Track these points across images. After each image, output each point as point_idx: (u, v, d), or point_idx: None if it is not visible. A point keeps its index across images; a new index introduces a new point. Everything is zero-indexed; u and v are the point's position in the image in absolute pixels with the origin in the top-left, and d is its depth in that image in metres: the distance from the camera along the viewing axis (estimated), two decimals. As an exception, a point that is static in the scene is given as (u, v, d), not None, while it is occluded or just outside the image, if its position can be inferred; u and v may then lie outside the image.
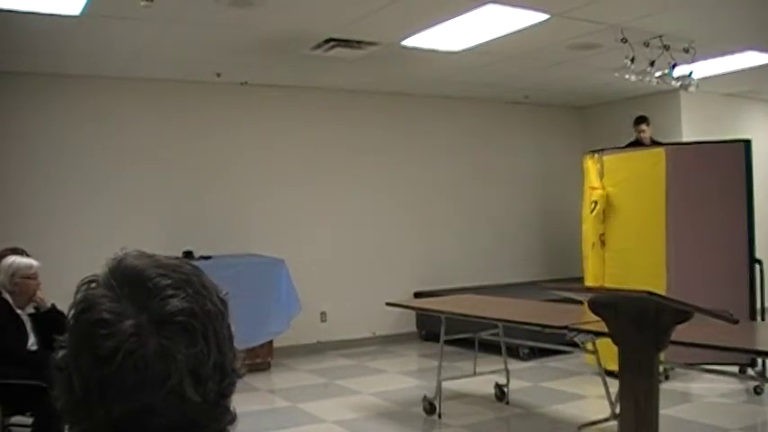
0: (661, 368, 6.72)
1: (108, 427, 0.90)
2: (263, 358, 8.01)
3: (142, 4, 5.39)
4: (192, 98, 8.61)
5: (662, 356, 6.12)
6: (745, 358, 6.04)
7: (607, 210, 7.03)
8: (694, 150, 7.15)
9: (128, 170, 8.22)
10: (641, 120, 8.42)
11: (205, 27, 6.46)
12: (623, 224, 6.95)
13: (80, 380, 0.91)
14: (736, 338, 4.30)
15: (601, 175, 7.11)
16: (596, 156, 7.22)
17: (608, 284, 6.56)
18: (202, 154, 8.65)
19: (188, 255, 7.84)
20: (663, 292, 6.03)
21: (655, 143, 8.07)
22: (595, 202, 7.02)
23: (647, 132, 8.32)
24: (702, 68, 7.87)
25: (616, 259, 6.95)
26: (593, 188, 7.12)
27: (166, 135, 8.47)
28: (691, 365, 6.26)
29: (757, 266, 6.68)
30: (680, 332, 3.67)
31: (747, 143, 6.87)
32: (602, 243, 7.04)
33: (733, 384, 6.73)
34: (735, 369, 6.36)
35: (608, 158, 7.15)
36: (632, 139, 8.36)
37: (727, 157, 6.84)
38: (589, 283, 6.99)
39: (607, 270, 6.96)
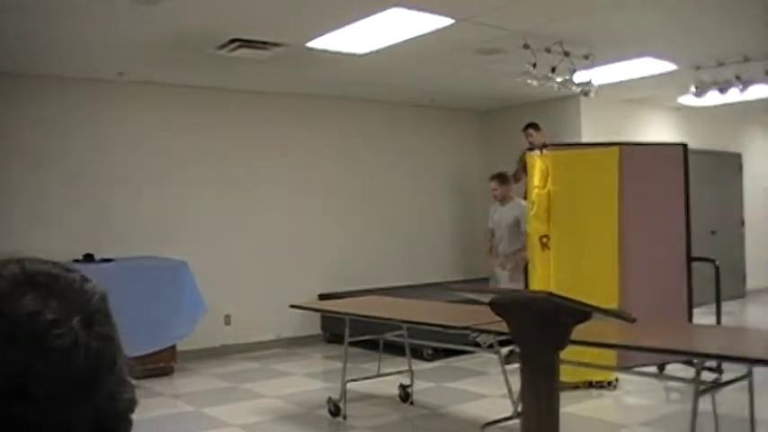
0: (614, 376, 6.79)
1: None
2: (165, 362, 7.83)
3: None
4: (93, 98, 8.38)
5: (614, 362, 6.17)
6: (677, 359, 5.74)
7: (552, 210, 6.62)
8: (644, 151, 7.02)
9: (27, 174, 7.94)
10: (527, 126, 8.99)
11: (108, 24, 6.30)
12: (570, 226, 6.59)
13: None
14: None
15: (546, 174, 6.68)
16: (542, 153, 6.83)
17: (555, 290, 6.12)
18: (105, 153, 8.42)
19: (89, 258, 7.62)
20: (616, 299, 6.17)
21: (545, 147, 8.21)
22: (533, 202, 6.76)
23: (534, 137, 8.79)
24: (602, 75, 8.12)
25: (564, 262, 6.55)
26: (534, 187, 6.79)
27: (72, 137, 8.22)
28: (628, 368, 6.01)
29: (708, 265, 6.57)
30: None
31: (685, 147, 6.83)
32: (545, 245, 6.65)
33: (653, 384, 6.85)
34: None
35: (555, 155, 6.73)
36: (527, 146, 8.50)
37: (669, 159, 6.77)
38: (535, 287, 6.64)
39: (555, 275, 6.53)
